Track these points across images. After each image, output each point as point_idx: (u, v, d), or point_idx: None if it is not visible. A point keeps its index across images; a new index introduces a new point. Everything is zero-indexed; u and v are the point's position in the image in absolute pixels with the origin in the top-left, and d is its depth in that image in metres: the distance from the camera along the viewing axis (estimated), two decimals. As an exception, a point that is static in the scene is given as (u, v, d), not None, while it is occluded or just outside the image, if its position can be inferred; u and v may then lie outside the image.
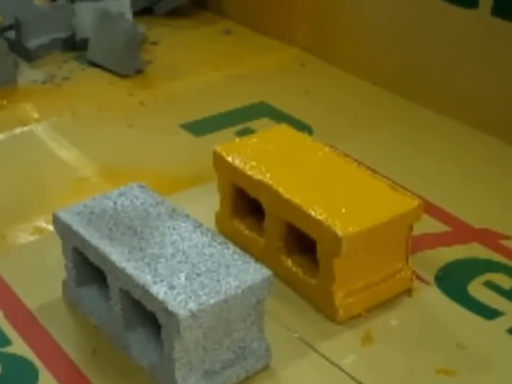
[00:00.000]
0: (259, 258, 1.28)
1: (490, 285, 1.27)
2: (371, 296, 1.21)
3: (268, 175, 1.25)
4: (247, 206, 1.32)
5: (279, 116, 1.75)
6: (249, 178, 1.26)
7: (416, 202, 1.21)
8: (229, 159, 1.30)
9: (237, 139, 1.43)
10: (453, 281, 1.28)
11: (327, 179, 1.25)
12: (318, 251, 1.18)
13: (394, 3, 1.84)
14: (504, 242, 1.36)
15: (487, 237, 1.37)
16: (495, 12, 1.63)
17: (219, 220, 1.37)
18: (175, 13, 2.26)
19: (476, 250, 1.34)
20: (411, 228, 1.22)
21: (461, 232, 1.39)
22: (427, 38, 1.78)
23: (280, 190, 1.22)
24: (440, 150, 1.63)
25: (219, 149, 1.32)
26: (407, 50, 1.83)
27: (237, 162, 1.29)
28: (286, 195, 1.21)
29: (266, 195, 1.24)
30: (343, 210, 1.18)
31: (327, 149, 1.32)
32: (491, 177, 1.55)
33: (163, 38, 2.14)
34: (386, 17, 1.86)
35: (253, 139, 1.37)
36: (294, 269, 1.25)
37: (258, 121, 1.74)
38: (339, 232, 1.13)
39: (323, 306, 1.20)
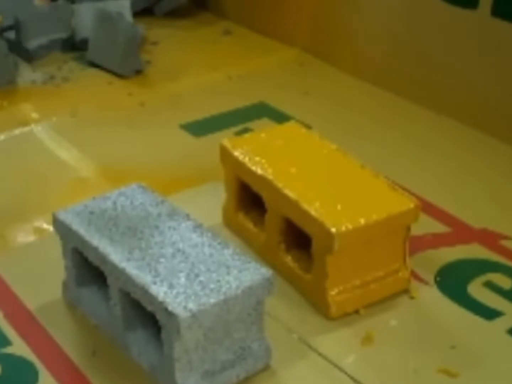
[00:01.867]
0: (260, 252, 1.29)
1: (490, 285, 1.27)
2: (365, 294, 1.21)
3: (269, 170, 1.26)
4: (251, 201, 1.33)
5: (279, 117, 1.75)
6: (252, 173, 1.27)
7: (412, 204, 1.21)
8: (235, 153, 1.31)
9: (246, 135, 1.44)
10: (453, 281, 1.28)
11: (328, 176, 1.26)
12: (312, 247, 1.19)
13: (393, 4, 1.84)
14: (504, 242, 1.36)
15: (487, 237, 1.37)
16: (494, 12, 1.63)
17: (225, 214, 1.38)
18: (174, 13, 2.26)
19: (476, 250, 1.34)
20: (408, 229, 1.23)
21: (461, 232, 1.39)
22: (427, 38, 1.78)
23: (279, 185, 1.23)
24: (440, 151, 1.63)
25: (226, 143, 1.34)
26: (406, 50, 1.83)
27: (242, 157, 1.30)
28: (285, 191, 1.22)
29: (266, 190, 1.26)
30: (339, 208, 1.18)
31: (333, 147, 1.33)
32: (491, 177, 1.55)
33: (162, 39, 2.14)
34: (385, 17, 1.86)
35: (261, 135, 1.38)
36: (291, 264, 1.26)
37: (258, 121, 1.74)
38: (332, 229, 1.14)
39: (316, 302, 1.21)
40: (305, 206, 1.18)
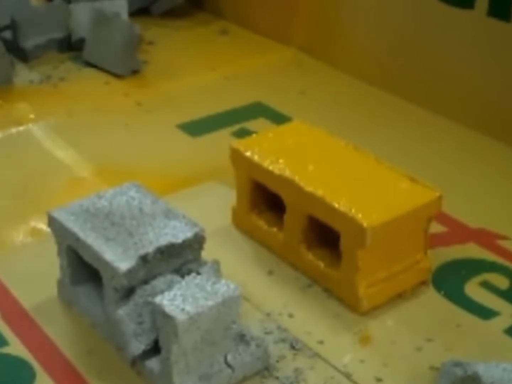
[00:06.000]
0: (278, 252, 1.29)
1: (486, 285, 1.27)
2: (392, 286, 1.22)
3: (288, 169, 1.25)
4: (265, 201, 1.33)
5: (275, 116, 1.74)
6: (269, 173, 1.27)
7: (437, 193, 1.21)
8: (248, 154, 1.30)
9: (254, 135, 1.43)
10: (450, 281, 1.28)
11: (347, 172, 1.26)
12: (341, 242, 1.18)
13: (391, 4, 1.84)
14: (500, 242, 1.36)
15: (484, 237, 1.37)
16: (490, 12, 1.63)
17: (236, 216, 1.38)
18: (171, 13, 2.26)
19: (473, 250, 1.35)
20: (430, 219, 1.23)
21: (457, 232, 1.39)
22: (424, 39, 1.77)
23: (302, 183, 1.22)
24: (437, 150, 1.63)
25: (236, 145, 1.33)
26: (404, 50, 1.83)
27: (256, 158, 1.29)
28: (308, 188, 1.21)
29: (287, 189, 1.25)
30: (366, 202, 1.18)
31: (343, 143, 1.33)
32: (488, 177, 1.55)
33: (159, 38, 2.13)
34: (382, 17, 1.86)
35: (269, 134, 1.38)
36: (315, 262, 1.25)
37: (255, 121, 1.74)
38: (364, 224, 1.14)
39: (346, 298, 1.21)
40: (333, 202, 1.18)
